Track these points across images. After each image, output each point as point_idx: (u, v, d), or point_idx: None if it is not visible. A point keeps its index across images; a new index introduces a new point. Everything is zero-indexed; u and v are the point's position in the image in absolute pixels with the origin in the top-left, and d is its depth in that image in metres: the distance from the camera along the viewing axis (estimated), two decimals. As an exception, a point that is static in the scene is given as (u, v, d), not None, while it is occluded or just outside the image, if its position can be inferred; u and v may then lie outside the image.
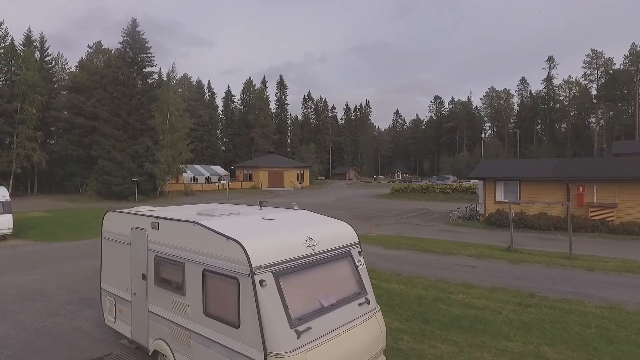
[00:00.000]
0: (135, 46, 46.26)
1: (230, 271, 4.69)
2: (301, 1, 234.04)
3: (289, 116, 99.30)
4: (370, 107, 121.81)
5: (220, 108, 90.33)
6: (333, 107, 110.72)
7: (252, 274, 4.43)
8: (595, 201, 20.50)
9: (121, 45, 46.78)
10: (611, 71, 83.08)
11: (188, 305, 5.30)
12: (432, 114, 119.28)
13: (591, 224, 19.72)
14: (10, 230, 18.34)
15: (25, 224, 22.58)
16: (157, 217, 5.97)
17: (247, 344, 4.50)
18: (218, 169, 68.72)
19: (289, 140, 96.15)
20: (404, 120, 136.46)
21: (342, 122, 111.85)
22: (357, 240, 6.08)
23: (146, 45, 46.99)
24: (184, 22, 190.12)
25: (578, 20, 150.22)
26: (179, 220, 5.60)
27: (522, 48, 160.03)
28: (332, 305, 5.05)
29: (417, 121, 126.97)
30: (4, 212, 18.15)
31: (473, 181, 39.86)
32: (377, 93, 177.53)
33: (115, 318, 6.88)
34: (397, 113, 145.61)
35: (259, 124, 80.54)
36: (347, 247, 5.82)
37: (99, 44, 60.23)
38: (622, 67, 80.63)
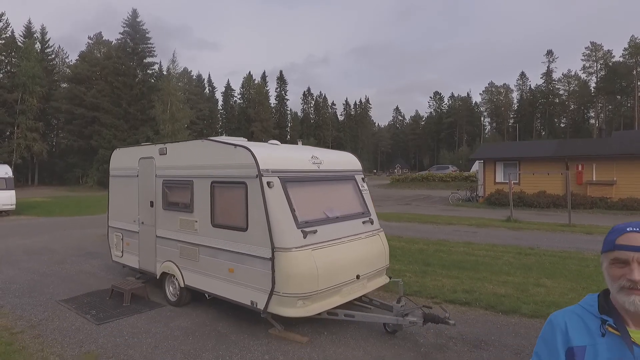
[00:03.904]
0: (135, 37, 46.35)
1: (239, 177, 4.82)
2: (303, 3, 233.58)
3: (288, 112, 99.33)
4: (370, 104, 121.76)
5: (220, 103, 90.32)
6: (333, 104, 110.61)
7: (259, 175, 4.57)
8: (594, 179, 20.62)
9: (121, 36, 46.88)
10: (610, 64, 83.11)
11: (196, 221, 5.43)
12: (432, 110, 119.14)
13: (590, 201, 19.85)
14: (13, 206, 18.46)
15: (28, 205, 22.67)
16: (165, 143, 6.11)
17: (255, 244, 4.63)
18: (218, 162, 68.69)
19: (288, 136, 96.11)
20: (403, 117, 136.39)
21: (342, 118, 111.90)
22: (360, 168, 6.22)
23: (146, 35, 47.09)
24: (192, 26, 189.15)
25: (577, 13, 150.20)
26: (186, 141, 5.75)
27: (522, 43, 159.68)
28: (336, 217, 5.18)
29: (416, 117, 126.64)
30: (7, 188, 18.27)
31: (473, 169, 40.04)
32: (379, 93, 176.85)
33: (122, 252, 7.02)
34: (397, 110, 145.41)
35: (258, 118, 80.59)
36: (351, 172, 5.96)
37: (99, 36, 60.18)
38: (622, 59, 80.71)
